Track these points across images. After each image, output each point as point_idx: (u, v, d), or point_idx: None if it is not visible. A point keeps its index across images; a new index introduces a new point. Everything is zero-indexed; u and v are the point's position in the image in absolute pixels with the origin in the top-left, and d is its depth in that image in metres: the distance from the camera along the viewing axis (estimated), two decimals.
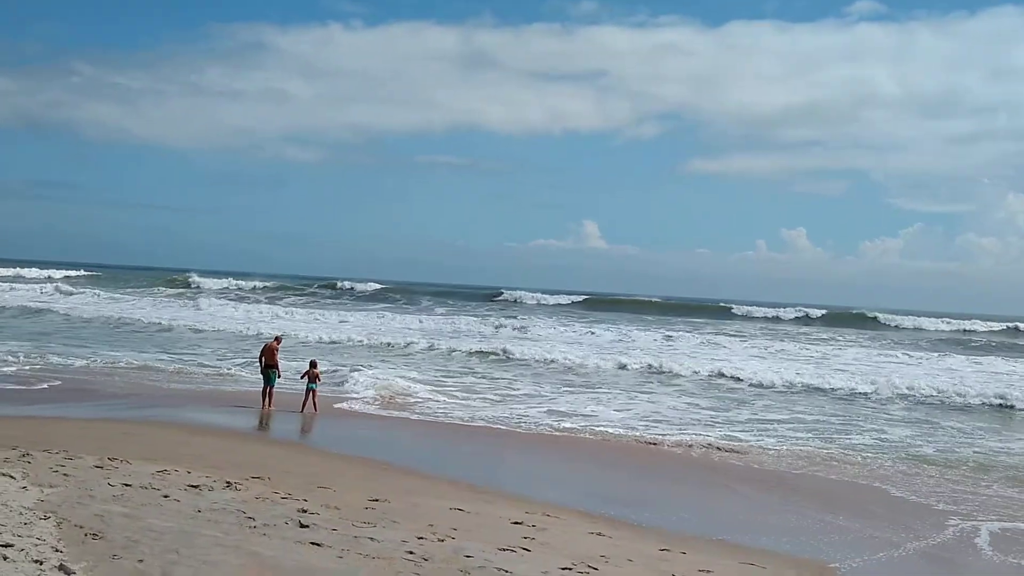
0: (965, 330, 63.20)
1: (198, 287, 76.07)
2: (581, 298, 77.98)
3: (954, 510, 13.97)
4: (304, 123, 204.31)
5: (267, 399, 20.80)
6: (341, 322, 48.31)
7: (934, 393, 27.69)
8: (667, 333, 47.25)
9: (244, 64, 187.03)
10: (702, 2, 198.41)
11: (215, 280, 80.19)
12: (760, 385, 29.07)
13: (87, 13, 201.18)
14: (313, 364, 21.52)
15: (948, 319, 68.35)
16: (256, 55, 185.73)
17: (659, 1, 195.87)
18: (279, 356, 21.54)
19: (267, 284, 79.05)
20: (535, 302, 76.30)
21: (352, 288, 79.15)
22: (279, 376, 21.20)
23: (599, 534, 10.93)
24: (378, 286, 79.06)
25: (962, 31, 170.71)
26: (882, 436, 20.71)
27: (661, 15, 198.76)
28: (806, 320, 67.62)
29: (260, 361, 21.47)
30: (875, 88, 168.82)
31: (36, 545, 7.68)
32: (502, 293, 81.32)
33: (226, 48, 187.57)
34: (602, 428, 19.97)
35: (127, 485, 10.70)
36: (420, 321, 50.12)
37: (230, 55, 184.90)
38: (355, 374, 25.96)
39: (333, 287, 79.94)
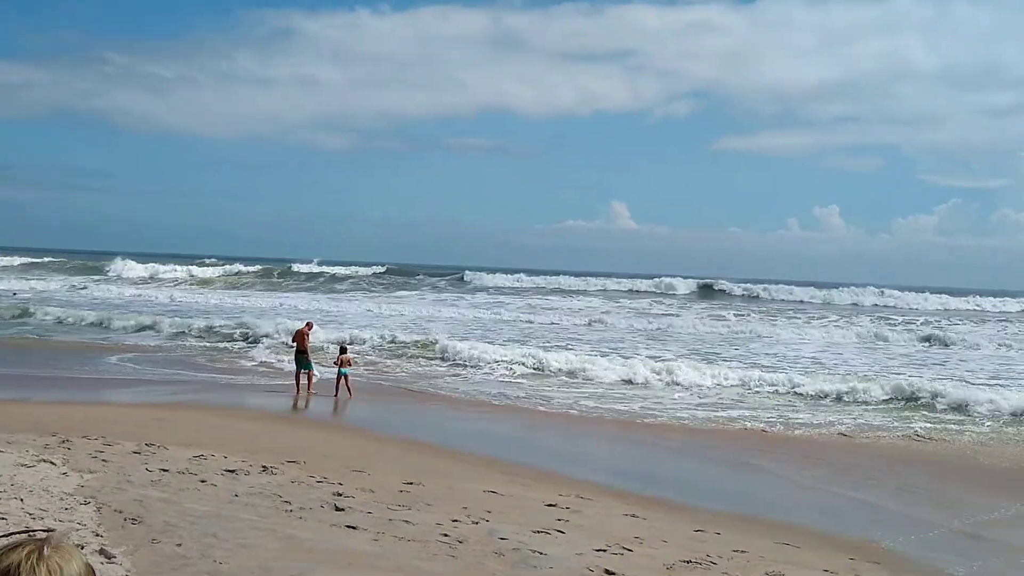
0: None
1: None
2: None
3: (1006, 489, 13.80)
4: (334, 108, 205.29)
5: (302, 382, 20.91)
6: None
7: None
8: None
9: (274, 51, 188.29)
10: None
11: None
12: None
13: (119, 3, 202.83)
14: (343, 349, 21.63)
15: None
16: (286, 41, 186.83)
17: None
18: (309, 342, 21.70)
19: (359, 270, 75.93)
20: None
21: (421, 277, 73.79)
22: (309, 361, 21.26)
23: (633, 515, 10.91)
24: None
25: (1000, 1, 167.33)
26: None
27: None
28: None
29: (291, 346, 21.66)
30: (910, 61, 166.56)
31: (77, 530, 7.80)
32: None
33: (256, 35, 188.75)
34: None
35: (165, 470, 10.83)
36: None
37: (260, 42, 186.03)
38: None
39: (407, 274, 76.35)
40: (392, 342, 29.72)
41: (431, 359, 27.27)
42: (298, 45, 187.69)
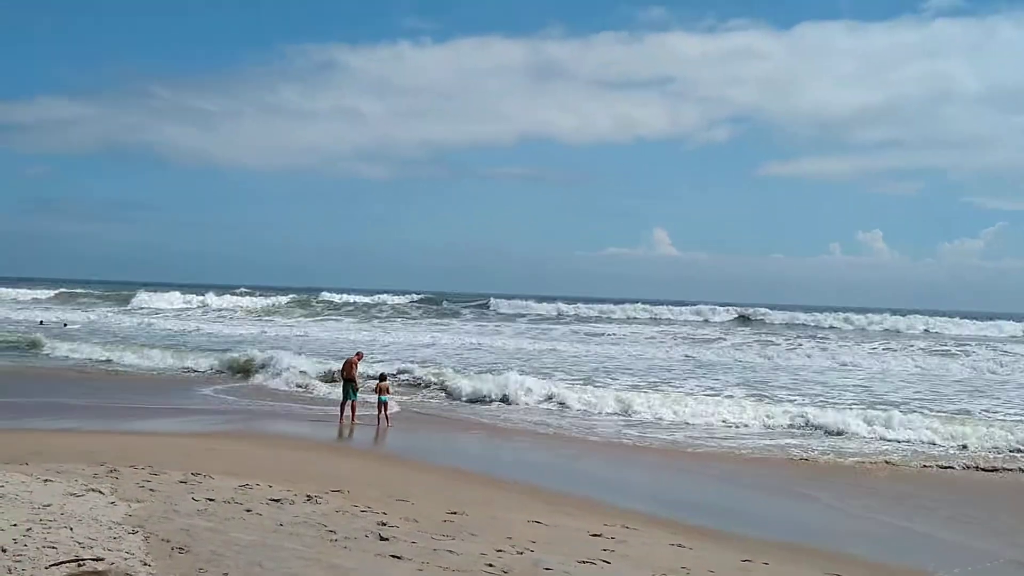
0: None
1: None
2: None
3: None
4: (375, 139, 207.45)
5: (346, 413, 21.03)
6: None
7: None
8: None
9: (317, 83, 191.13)
10: (772, 5, 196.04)
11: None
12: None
13: (165, 38, 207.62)
14: (383, 377, 21.73)
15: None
16: (328, 74, 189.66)
17: (728, 5, 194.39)
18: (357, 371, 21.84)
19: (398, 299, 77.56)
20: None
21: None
22: (356, 390, 21.44)
23: (679, 545, 10.76)
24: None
25: None
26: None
27: (730, 19, 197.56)
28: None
29: (340, 375, 21.81)
30: (954, 84, 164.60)
31: (125, 559, 7.85)
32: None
33: (299, 68, 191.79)
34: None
35: (211, 500, 10.89)
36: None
37: (303, 75, 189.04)
38: None
39: (437, 303, 77.89)
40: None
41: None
42: (340, 78, 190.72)
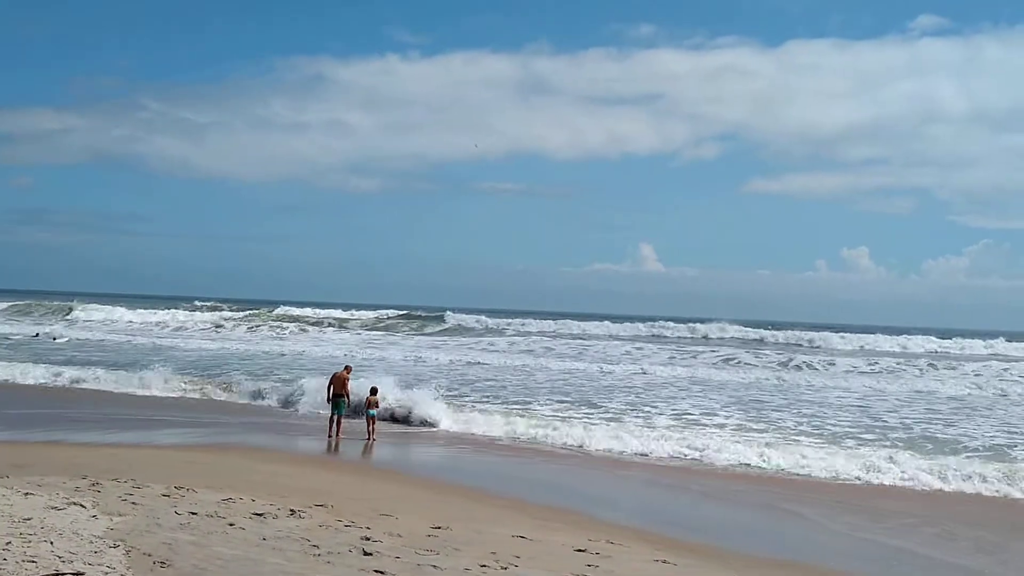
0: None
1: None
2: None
3: None
4: (365, 152, 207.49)
5: (335, 427, 20.95)
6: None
7: None
8: None
9: (306, 96, 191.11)
10: (760, 23, 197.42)
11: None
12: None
13: (155, 49, 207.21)
14: (373, 391, 21.67)
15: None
16: (318, 87, 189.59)
17: (717, 23, 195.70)
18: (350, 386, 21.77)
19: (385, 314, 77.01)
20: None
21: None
22: (348, 405, 21.37)
23: (664, 561, 10.75)
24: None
25: None
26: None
27: (719, 36, 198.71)
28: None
29: (328, 390, 21.70)
30: (940, 104, 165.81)
31: (106, 573, 7.79)
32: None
33: (289, 81, 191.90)
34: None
35: (193, 513, 10.83)
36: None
37: (293, 88, 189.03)
38: None
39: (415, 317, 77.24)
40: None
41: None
42: (330, 91, 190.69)
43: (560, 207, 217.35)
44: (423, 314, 78.00)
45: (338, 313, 78.95)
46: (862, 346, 59.31)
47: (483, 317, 72.56)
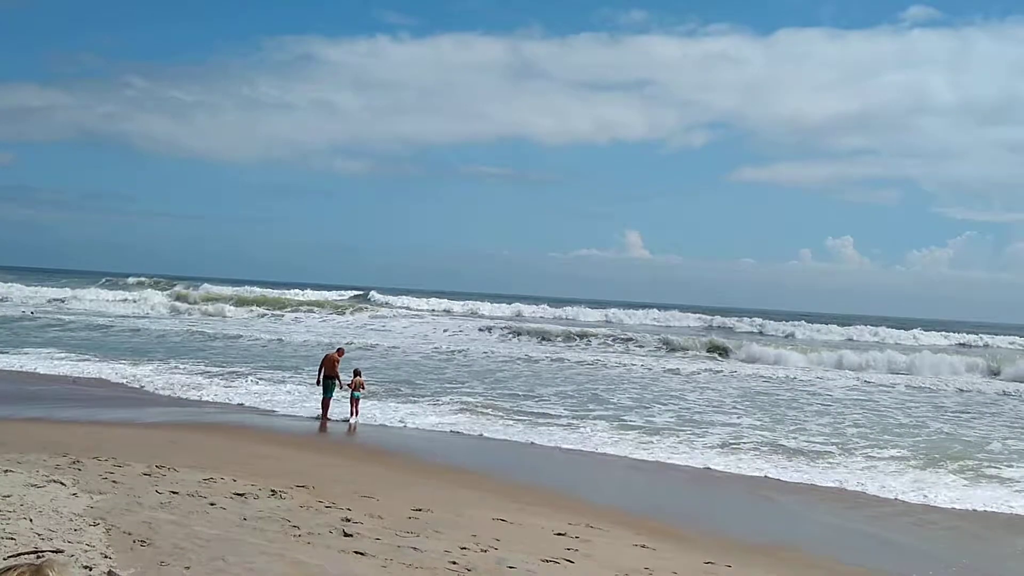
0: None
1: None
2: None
3: None
4: (353, 134, 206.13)
5: (325, 409, 20.94)
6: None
7: None
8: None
9: (294, 76, 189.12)
10: (752, 10, 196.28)
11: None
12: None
13: (141, 27, 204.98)
14: (357, 373, 21.67)
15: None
16: (306, 67, 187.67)
17: (709, 9, 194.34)
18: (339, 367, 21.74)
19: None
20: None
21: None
22: (339, 387, 21.35)
23: (643, 546, 10.83)
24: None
25: (1021, 36, 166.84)
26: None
27: (711, 24, 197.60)
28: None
29: (319, 371, 21.68)
30: (929, 95, 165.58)
31: (86, 551, 7.79)
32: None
33: (276, 60, 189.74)
34: None
35: (174, 492, 10.83)
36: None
37: (280, 67, 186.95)
38: None
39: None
40: None
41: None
42: (318, 71, 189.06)
43: (548, 192, 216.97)
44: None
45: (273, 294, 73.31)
46: (792, 333, 58.26)
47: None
